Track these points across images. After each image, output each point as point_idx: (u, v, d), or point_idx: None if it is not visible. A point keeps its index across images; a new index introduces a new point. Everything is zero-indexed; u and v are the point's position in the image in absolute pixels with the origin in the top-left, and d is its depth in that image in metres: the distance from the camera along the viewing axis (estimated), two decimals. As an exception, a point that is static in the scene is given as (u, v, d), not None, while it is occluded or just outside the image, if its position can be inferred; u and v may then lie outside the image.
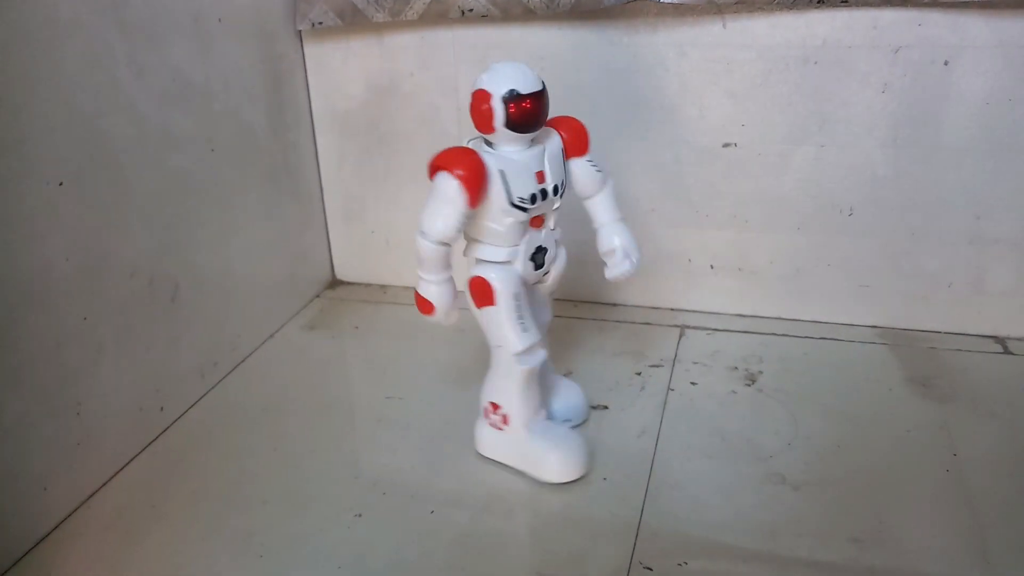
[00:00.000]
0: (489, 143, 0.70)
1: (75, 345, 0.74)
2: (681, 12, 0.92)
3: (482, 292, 0.72)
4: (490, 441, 0.78)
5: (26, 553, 0.70)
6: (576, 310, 1.07)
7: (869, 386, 0.89)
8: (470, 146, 0.69)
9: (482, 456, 0.79)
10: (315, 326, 1.08)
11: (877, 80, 0.90)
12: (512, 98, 0.67)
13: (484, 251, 0.72)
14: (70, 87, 0.72)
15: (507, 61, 0.69)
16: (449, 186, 0.66)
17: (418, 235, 0.69)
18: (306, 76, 1.08)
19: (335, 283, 1.19)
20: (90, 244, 0.75)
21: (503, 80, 0.67)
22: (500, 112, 0.67)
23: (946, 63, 0.88)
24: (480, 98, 0.67)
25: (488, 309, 0.72)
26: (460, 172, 0.66)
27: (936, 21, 0.86)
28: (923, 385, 0.88)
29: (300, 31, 1.05)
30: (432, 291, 0.71)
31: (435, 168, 0.67)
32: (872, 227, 0.96)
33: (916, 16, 0.86)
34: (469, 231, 0.72)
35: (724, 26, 0.92)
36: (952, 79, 0.88)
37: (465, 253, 0.74)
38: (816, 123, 0.93)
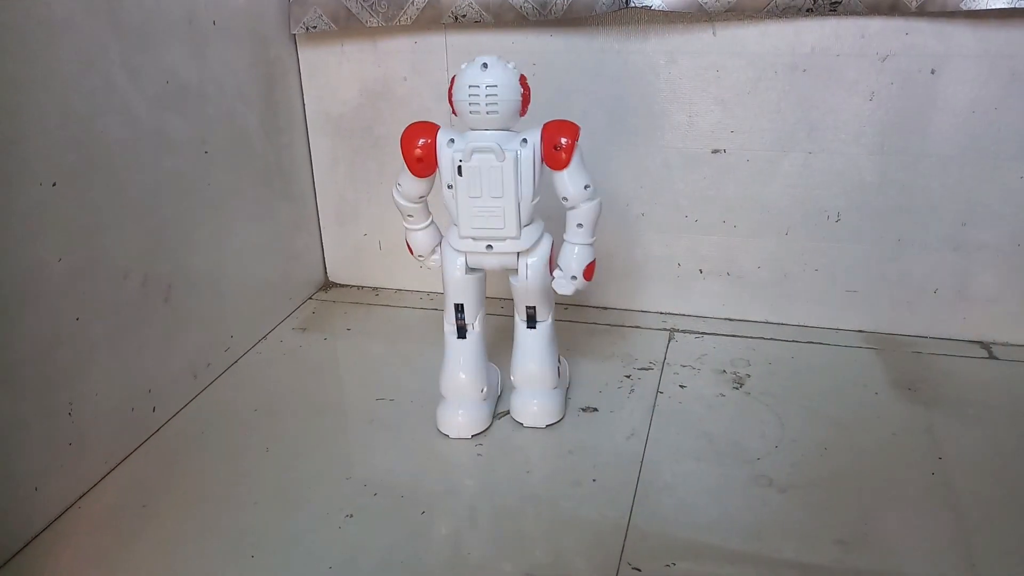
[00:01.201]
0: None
1: (68, 345, 0.74)
2: (672, 19, 0.93)
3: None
4: (561, 403, 0.87)
5: (17, 552, 0.70)
6: (566, 313, 1.08)
7: (855, 390, 0.90)
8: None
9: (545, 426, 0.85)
10: (308, 328, 1.08)
11: (865, 88, 0.91)
12: None
13: (540, 221, 0.80)
14: (64, 88, 0.72)
15: (477, 57, 0.74)
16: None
17: (596, 197, 0.76)
18: (300, 79, 1.09)
19: (328, 285, 1.20)
20: (83, 245, 0.75)
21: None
22: None
23: (933, 71, 0.89)
24: (525, 77, 0.75)
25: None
26: None
27: (923, 30, 0.87)
28: (909, 389, 0.89)
29: (294, 35, 1.06)
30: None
31: (576, 135, 0.75)
32: (859, 233, 0.97)
33: (903, 25, 0.88)
34: (536, 209, 0.79)
35: (714, 33, 0.93)
36: (938, 87, 0.89)
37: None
38: (804, 130, 0.95)
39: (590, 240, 0.78)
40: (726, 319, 1.05)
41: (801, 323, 1.03)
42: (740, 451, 0.80)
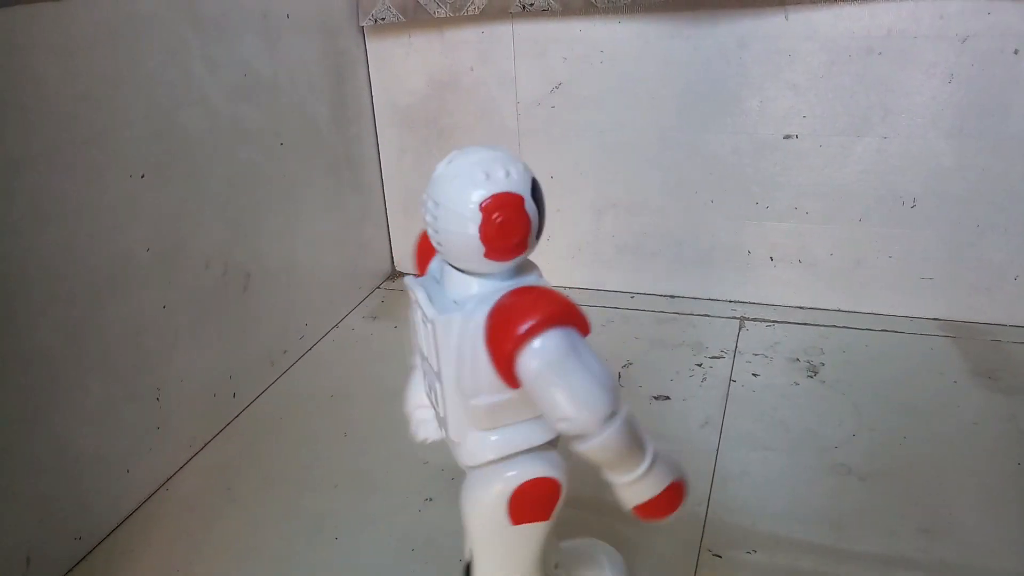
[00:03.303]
0: (476, 272, 0.45)
1: (154, 332, 0.77)
2: (743, 3, 0.92)
3: (547, 499, 0.48)
4: None
5: (111, 532, 0.73)
6: (633, 302, 1.07)
7: (933, 378, 0.88)
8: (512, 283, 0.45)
9: None
10: (377, 316, 1.10)
11: (943, 70, 0.89)
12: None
13: (525, 432, 0.47)
14: (149, 81, 0.74)
15: (469, 148, 0.44)
16: (581, 338, 0.42)
17: (602, 431, 0.42)
18: (368, 71, 1.10)
19: (395, 275, 1.21)
20: (168, 234, 0.77)
21: (521, 172, 0.43)
22: (536, 222, 0.44)
23: (1016, 52, 0.86)
24: (515, 205, 0.42)
25: (533, 525, 0.48)
26: (579, 314, 0.43)
27: (1006, 9, 0.85)
28: (989, 378, 0.87)
29: (362, 27, 1.07)
30: (664, 472, 0.45)
31: (554, 321, 0.41)
32: (935, 218, 0.95)
33: (985, 4, 0.85)
34: (498, 413, 0.46)
35: (786, 17, 0.92)
36: (1022, 68, 0.87)
37: (488, 451, 0.48)
38: (879, 114, 0.93)
39: (637, 472, 0.44)
40: (797, 307, 1.04)
41: (875, 311, 1.01)
42: (817, 440, 0.79)
